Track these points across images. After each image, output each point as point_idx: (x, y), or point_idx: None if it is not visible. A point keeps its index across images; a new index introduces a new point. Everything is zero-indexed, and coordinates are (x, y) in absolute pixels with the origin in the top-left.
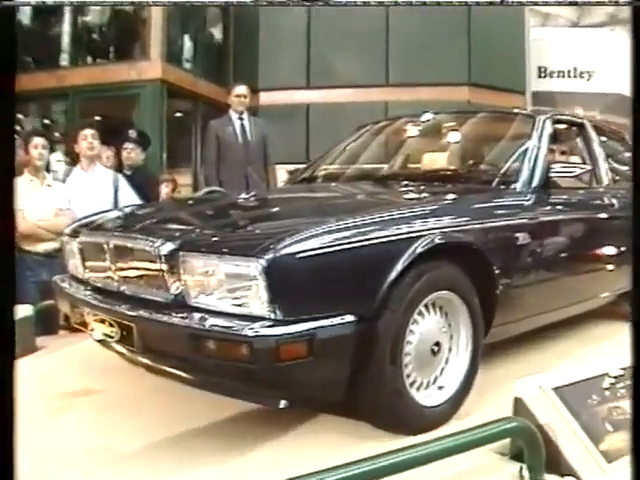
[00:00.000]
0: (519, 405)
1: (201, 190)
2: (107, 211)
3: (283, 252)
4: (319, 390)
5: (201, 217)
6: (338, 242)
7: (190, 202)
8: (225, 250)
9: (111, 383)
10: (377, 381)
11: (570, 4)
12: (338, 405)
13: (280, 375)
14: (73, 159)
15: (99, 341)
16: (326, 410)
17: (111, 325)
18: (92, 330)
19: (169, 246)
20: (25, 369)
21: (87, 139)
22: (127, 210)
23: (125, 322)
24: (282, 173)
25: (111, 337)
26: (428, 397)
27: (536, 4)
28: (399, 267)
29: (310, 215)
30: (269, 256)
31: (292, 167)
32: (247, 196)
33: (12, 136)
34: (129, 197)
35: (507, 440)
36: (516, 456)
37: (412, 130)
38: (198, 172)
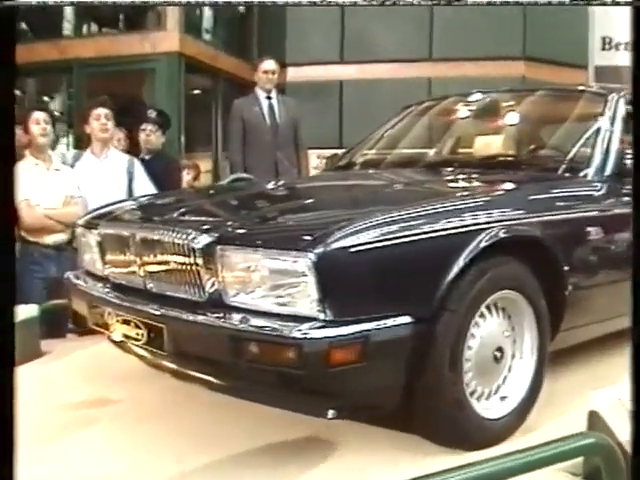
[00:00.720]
0: (594, 419)
1: (225, 178)
2: (123, 201)
3: (334, 246)
4: (371, 399)
5: (232, 208)
6: (393, 236)
7: (213, 191)
8: (270, 244)
9: (131, 391)
10: (435, 389)
11: (571, 4)
12: (391, 416)
13: (330, 382)
14: (80, 141)
15: (117, 344)
16: (377, 422)
17: (137, 326)
18: (113, 332)
19: (205, 239)
20: (28, 376)
21: (100, 119)
22: (145, 200)
23: (154, 323)
24: (314, 159)
25: (137, 340)
26: (490, 408)
27: (536, 4)
28: (460, 263)
29: (351, 206)
30: (319, 250)
31: (324, 152)
32: (277, 184)
33: (11, 110)
34: (145, 185)
35: (579, 459)
36: (590, 477)
37: (462, 111)
38: (219, 158)
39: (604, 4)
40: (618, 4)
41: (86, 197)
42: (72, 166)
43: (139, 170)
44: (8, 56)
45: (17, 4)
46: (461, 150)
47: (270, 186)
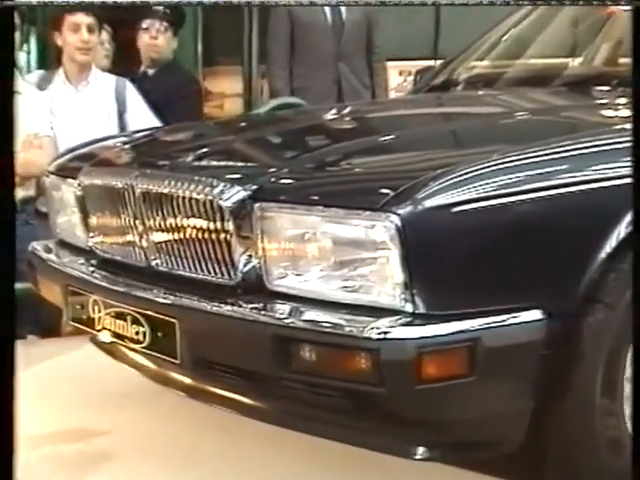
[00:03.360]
0: None
1: (264, 104)
2: (113, 137)
3: (429, 203)
4: (481, 433)
5: (275, 149)
6: (517, 189)
7: (245, 124)
8: (334, 200)
9: (123, 419)
10: (579, 423)
11: (572, 4)
12: (509, 460)
13: (420, 405)
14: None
15: (106, 348)
16: (486, 468)
17: (136, 322)
18: (101, 330)
19: (237, 193)
20: None
21: (79, 32)
22: (147, 136)
23: (162, 317)
24: (394, 76)
25: (136, 341)
26: None
27: (535, 4)
28: (621, 232)
29: (452, 145)
30: (407, 209)
31: (410, 65)
32: (341, 113)
33: None
34: (144, 118)
35: None
36: None
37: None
38: (253, 74)
39: (604, 4)
40: (618, 4)
41: (56, 136)
42: (41, 89)
43: (133, 96)
44: (8, 56)
45: (17, 4)
46: (622, 60)
47: (330, 115)
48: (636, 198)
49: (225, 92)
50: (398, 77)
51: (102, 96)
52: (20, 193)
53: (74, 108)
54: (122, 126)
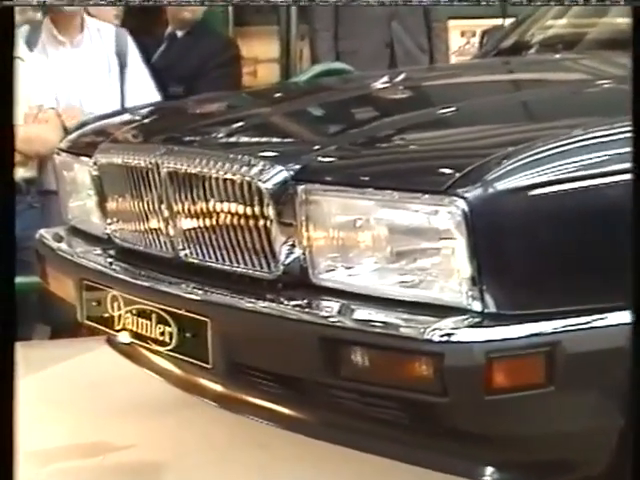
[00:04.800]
0: None
1: (305, 71)
2: (133, 110)
3: (501, 185)
4: (560, 451)
5: (318, 122)
6: (607, 169)
7: (283, 94)
8: (388, 181)
9: (146, 431)
10: None
11: (571, 4)
12: None
13: (489, 418)
14: None
15: (125, 350)
16: None
17: (161, 321)
18: (120, 330)
19: (278, 173)
20: None
21: None
22: (172, 108)
23: (192, 315)
24: (456, 37)
25: (161, 343)
26: None
27: (533, 4)
28: None
29: (527, 118)
30: (475, 192)
31: (475, 24)
32: (394, 81)
33: None
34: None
35: None
36: None
37: None
38: (292, 36)
39: (604, 4)
40: (618, 4)
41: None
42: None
43: (133, 52)
44: (8, 56)
45: (17, 4)
46: None
47: (381, 84)
48: (636, 196)
49: (259, 57)
50: (460, 38)
51: (100, 49)
52: (23, 173)
53: (70, 65)
54: (122, 82)
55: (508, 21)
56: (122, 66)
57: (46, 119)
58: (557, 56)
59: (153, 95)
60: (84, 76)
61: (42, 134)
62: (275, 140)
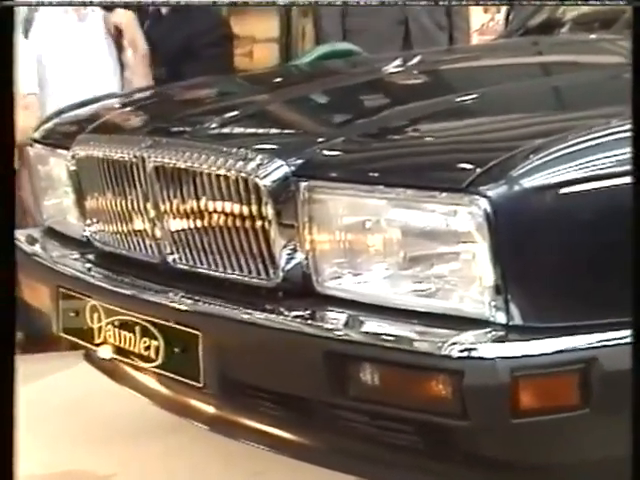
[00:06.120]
0: None
1: (308, 52)
2: (116, 95)
3: (528, 183)
4: None
5: (323, 111)
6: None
7: (283, 79)
8: (401, 177)
9: (130, 458)
10: None
11: (571, 4)
12: None
13: (515, 444)
14: None
15: (106, 367)
16: None
17: (146, 334)
18: (101, 344)
19: (278, 168)
20: None
21: None
22: (158, 94)
23: (180, 327)
24: (478, 13)
25: (146, 359)
26: None
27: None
28: None
29: (556, 107)
30: (499, 190)
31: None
32: (408, 65)
33: None
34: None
35: None
36: None
37: None
38: (293, 14)
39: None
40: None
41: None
42: (26, 34)
43: (132, 33)
44: (8, 56)
45: (17, 4)
46: None
47: (394, 68)
48: (636, 198)
49: (256, 36)
50: (484, 15)
51: (98, 31)
52: None
53: (75, 41)
54: (122, 76)
55: None
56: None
57: (26, 105)
58: (592, 36)
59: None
60: (88, 55)
61: (21, 122)
62: (274, 131)
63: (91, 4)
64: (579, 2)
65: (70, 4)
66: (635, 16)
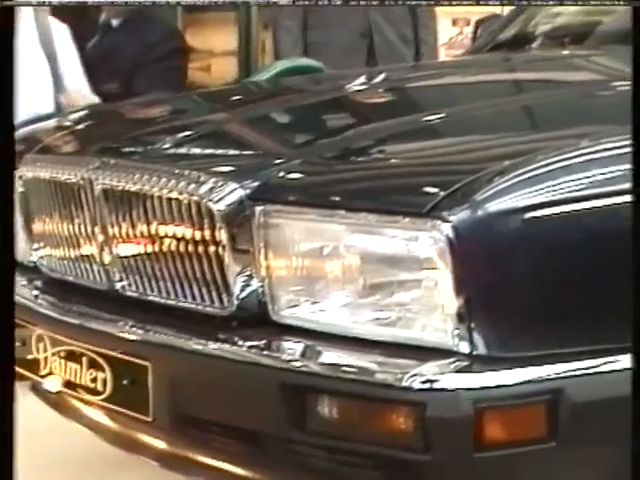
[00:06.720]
0: None
1: (267, 67)
2: (65, 115)
3: (493, 207)
4: None
5: (281, 131)
6: (619, 188)
7: (241, 96)
8: (362, 201)
9: None
10: None
11: (571, 4)
12: None
13: (481, 479)
14: None
15: (52, 400)
16: None
17: (94, 365)
18: (46, 376)
19: (233, 191)
20: None
21: None
22: (109, 113)
23: (129, 358)
24: (446, 26)
25: (93, 392)
26: None
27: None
28: None
29: (525, 126)
30: (462, 215)
31: (468, 11)
32: (372, 82)
33: None
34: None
35: None
36: None
37: None
38: (253, 26)
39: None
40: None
41: None
42: None
43: (68, 50)
44: (8, 56)
45: (17, 4)
46: None
47: (357, 85)
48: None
49: (213, 49)
50: (452, 28)
51: (30, 39)
52: None
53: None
54: (55, 75)
55: (507, 8)
56: (55, 70)
57: None
58: (564, 52)
59: (87, 95)
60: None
61: None
62: (230, 152)
63: (91, 4)
64: (579, 2)
65: (70, 4)
66: (635, 16)
